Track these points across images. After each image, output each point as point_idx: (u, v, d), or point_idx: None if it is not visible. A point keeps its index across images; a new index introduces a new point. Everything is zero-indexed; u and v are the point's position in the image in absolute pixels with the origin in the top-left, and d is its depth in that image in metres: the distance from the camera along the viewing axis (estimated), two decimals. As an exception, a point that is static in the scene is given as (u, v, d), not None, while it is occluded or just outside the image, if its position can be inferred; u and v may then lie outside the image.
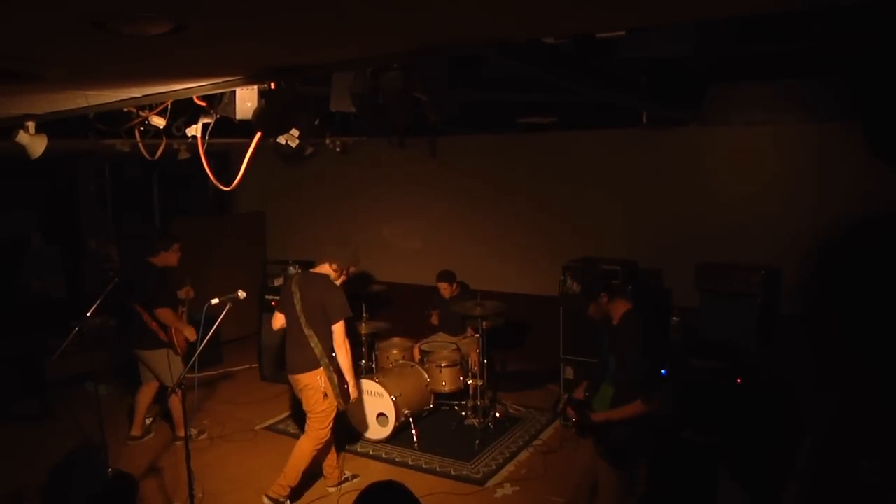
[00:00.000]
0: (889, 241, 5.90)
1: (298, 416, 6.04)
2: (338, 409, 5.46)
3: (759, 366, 5.56)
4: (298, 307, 5.34)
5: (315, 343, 5.26)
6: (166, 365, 6.28)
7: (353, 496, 5.27)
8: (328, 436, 5.47)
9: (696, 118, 6.48)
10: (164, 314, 6.34)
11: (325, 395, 5.31)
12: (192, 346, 6.60)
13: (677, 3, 1.99)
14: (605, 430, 4.34)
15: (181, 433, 6.54)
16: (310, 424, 5.43)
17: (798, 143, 6.57)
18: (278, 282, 8.64)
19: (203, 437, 6.89)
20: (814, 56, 4.46)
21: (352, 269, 5.62)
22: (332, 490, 5.73)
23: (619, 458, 4.31)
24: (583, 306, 4.47)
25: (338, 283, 5.46)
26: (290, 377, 5.46)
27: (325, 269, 5.46)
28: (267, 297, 8.31)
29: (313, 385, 5.31)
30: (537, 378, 8.10)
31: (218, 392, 8.22)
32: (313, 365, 5.28)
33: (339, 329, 5.28)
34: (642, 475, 4.51)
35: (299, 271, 5.47)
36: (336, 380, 5.34)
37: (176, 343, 6.41)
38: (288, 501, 5.41)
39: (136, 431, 6.80)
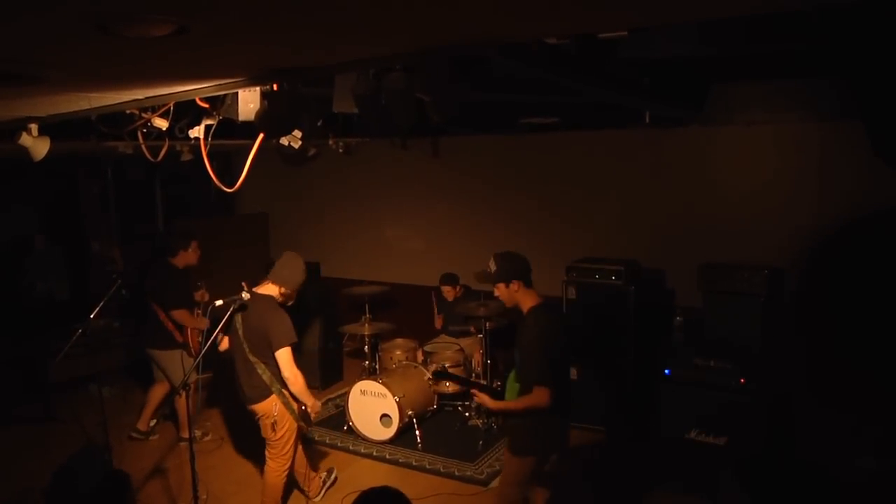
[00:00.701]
0: (890, 241, 5.90)
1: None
2: (299, 431, 5.18)
3: (762, 365, 5.55)
4: (241, 333, 4.95)
5: (262, 370, 4.89)
6: (179, 366, 6.27)
7: (336, 494, 5.29)
8: (290, 460, 5.18)
9: (699, 118, 6.48)
10: (181, 315, 6.37)
11: (275, 424, 4.97)
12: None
13: (679, 2, 1.99)
14: (510, 421, 4.49)
15: (185, 434, 6.54)
16: (270, 454, 5.13)
17: (800, 143, 6.56)
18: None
19: (207, 438, 6.90)
20: (815, 56, 4.46)
21: (291, 297, 5.13)
22: (317, 500, 5.66)
23: (521, 449, 4.35)
24: (491, 284, 4.44)
25: (286, 302, 5.06)
26: (247, 407, 5.11)
27: (271, 289, 5.00)
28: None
29: (268, 414, 4.96)
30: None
31: (222, 394, 8.21)
32: (265, 393, 4.94)
33: (283, 356, 4.80)
34: (549, 467, 4.53)
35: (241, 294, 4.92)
36: (293, 403, 5.01)
37: (191, 344, 6.42)
38: None
39: (142, 426, 6.81)
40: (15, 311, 8.27)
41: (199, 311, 6.62)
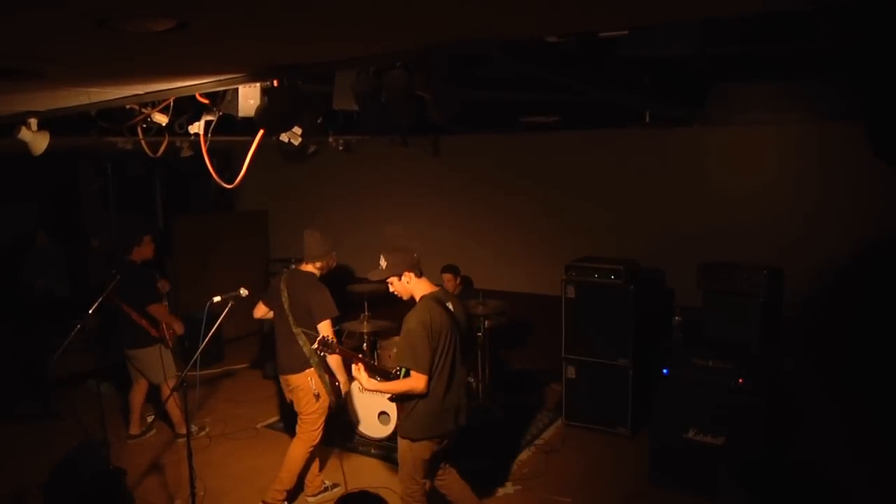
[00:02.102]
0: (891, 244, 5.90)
1: (290, 416, 6.06)
2: (329, 409, 5.40)
3: (761, 365, 5.54)
4: (286, 306, 5.28)
5: (304, 342, 5.19)
6: (158, 360, 6.37)
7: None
8: (319, 437, 5.42)
9: (699, 118, 6.47)
10: (158, 310, 6.42)
11: (318, 395, 5.26)
12: (180, 340, 6.69)
13: (680, 1, 1.98)
14: (395, 402, 4.60)
15: (182, 430, 6.55)
16: (301, 426, 5.38)
17: (800, 143, 6.56)
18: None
19: (203, 433, 6.90)
20: (816, 55, 4.45)
21: (332, 264, 5.55)
22: (311, 500, 5.66)
23: (406, 433, 4.42)
24: (383, 280, 4.53)
25: (326, 271, 5.48)
26: (281, 378, 5.41)
27: (309, 268, 5.41)
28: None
29: (304, 386, 5.26)
30: (539, 377, 8.11)
31: (219, 390, 8.23)
32: (303, 365, 5.23)
33: (325, 328, 5.17)
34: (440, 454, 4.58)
35: (290, 268, 5.41)
36: (327, 378, 5.29)
37: (167, 337, 6.46)
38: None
39: (133, 430, 6.83)
40: (15, 307, 8.27)
41: (165, 303, 6.66)
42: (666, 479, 5.70)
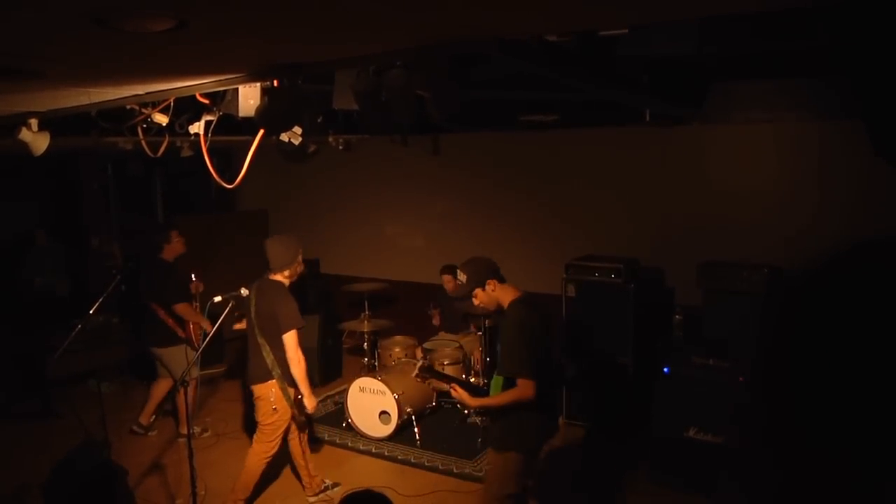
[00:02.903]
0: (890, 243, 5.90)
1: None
2: (291, 420, 5.31)
3: (761, 364, 5.55)
4: (253, 314, 5.17)
5: (267, 352, 5.09)
6: (184, 361, 6.33)
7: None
8: (275, 449, 5.30)
9: (698, 116, 6.47)
10: (184, 309, 6.41)
11: (275, 408, 5.14)
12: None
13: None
14: (494, 417, 4.38)
15: (184, 430, 6.55)
16: (257, 436, 5.28)
17: (800, 142, 6.56)
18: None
19: (206, 434, 6.90)
20: (816, 54, 4.45)
21: (300, 270, 5.36)
22: (312, 500, 5.66)
23: (504, 446, 4.27)
24: (469, 294, 4.34)
25: (294, 278, 5.30)
26: (248, 385, 5.31)
27: (278, 277, 5.23)
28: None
29: (265, 396, 5.15)
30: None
31: (220, 390, 8.23)
32: (266, 376, 5.12)
33: (289, 339, 5.05)
34: (536, 465, 4.46)
35: (261, 278, 5.27)
36: (290, 392, 5.18)
37: (193, 338, 6.46)
38: None
39: (143, 419, 6.84)
40: (15, 306, 8.28)
41: (197, 305, 6.64)
42: (665, 478, 5.71)
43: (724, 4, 2.12)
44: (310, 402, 5.26)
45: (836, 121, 6.06)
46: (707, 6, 2.15)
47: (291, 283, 5.28)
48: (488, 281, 4.26)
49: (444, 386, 4.69)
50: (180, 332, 6.41)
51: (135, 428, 6.78)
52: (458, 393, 4.31)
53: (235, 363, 8.57)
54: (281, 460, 5.53)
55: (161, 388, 6.78)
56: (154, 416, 6.98)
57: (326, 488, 5.75)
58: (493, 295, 4.27)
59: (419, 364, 4.64)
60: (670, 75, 5.20)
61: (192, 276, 6.77)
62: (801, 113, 6.30)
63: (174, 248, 6.57)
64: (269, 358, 5.08)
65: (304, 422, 5.52)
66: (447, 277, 7.80)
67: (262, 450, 5.25)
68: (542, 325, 4.27)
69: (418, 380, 4.67)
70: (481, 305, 4.38)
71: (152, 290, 6.45)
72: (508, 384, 4.15)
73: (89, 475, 4.52)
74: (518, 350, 4.08)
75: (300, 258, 5.31)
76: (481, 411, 4.33)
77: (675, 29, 3.81)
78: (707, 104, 6.21)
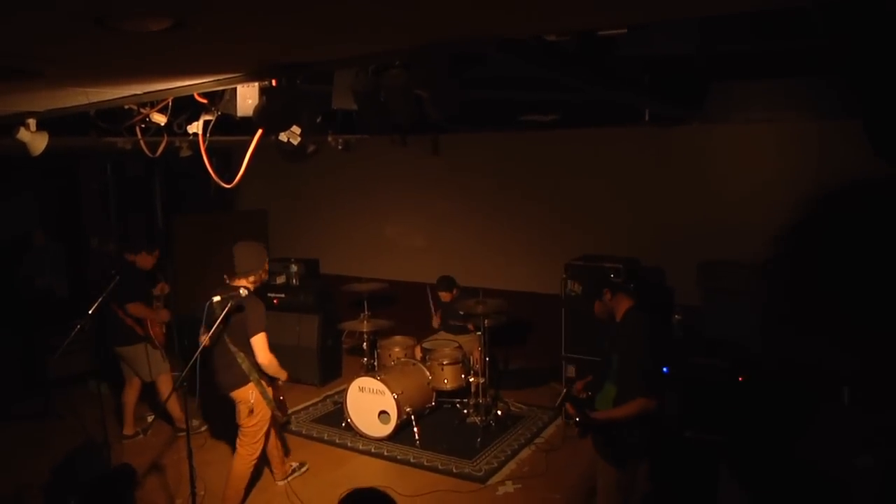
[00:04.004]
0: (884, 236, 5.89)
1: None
2: (273, 420, 5.40)
3: (761, 364, 5.55)
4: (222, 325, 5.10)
5: (242, 359, 5.11)
6: (144, 359, 6.42)
7: (302, 485, 5.30)
8: (260, 449, 5.37)
9: (698, 116, 6.47)
10: (136, 308, 6.44)
11: (251, 410, 5.18)
12: (180, 339, 6.73)
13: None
14: (608, 430, 4.22)
15: (182, 425, 6.55)
16: (241, 441, 5.32)
17: (799, 141, 6.56)
18: (280, 279, 8.66)
19: (203, 429, 6.89)
20: (815, 53, 4.45)
21: (264, 277, 5.37)
22: (280, 484, 5.81)
23: (620, 458, 4.21)
24: (587, 306, 4.35)
25: (259, 285, 5.30)
26: (224, 393, 5.30)
27: (242, 283, 5.17)
28: (269, 294, 8.32)
29: (244, 400, 5.19)
30: (539, 376, 8.11)
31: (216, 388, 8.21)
32: (243, 381, 5.15)
33: (258, 342, 5.03)
34: (642, 474, 4.38)
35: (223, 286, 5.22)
36: (269, 392, 5.23)
37: (153, 335, 6.50)
38: None
39: (127, 430, 6.83)
40: (14, 306, 8.26)
41: (158, 304, 6.68)
42: (666, 478, 5.70)
43: (722, 4, 2.12)
44: (283, 375, 5.29)
45: (837, 120, 6.05)
46: (706, 5, 2.15)
47: (256, 290, 5.23)
48: (604, 291, 4.30)
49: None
50: (139, 330, 6.44)
51: (123, 441, 6.74)
52: (594, 415, 4.19)
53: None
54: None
55: (130, 394, 6.79)
56: (152, 417, 6.97)
57: (294, 471, 5.95)
58: (609, 305, 4.30)
59: (564, 393, 4.55)
60: (670, 75, 5.20)
61: (160, 277, 6.86)
62: (802, 112, 6.30)
63: (146, 259, 6.65)
64: (244, 364, 5.11)
65: (285, 419, 5.64)
66: (443, 293, 7.78)
67: (247, 452, 5.31)
68: (653, 331, 4.24)
69: (574, 416, 4.50)
70: (597, 315, 4.37)
71: (112, 290, 6.35)
72: (623, 395, 4.09)
73: (104, 478, 4.51)
74: (638, 367, 4.05)
75: (266, 266, 5.33)
76: (601, 426, 4.19)
77: (675, 29, 3.81)
78: (707, 104, 6.22)
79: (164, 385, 6.60)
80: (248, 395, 5.17)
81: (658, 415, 4.13)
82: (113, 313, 6.44)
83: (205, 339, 5.04)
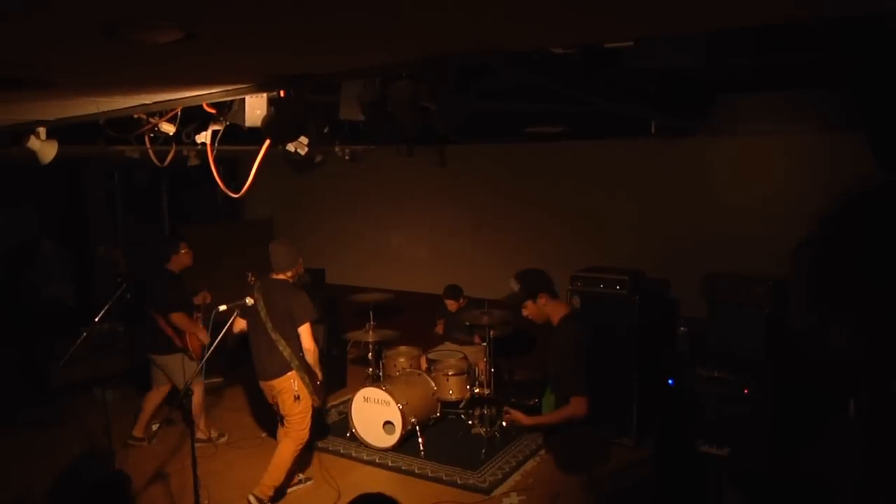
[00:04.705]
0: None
1: (270, 420, 6.23)
2: (314, 407, 5.61)
3: (766, 376, 5.53)
4: (263, 313, 5.41)
5: (283, 346, 5.36)
6: (180, 369, 6.39)
7: (305, 495, 5.30)
8: (308, 435, 5.62)
9: (704, 128, 6.48)
10: (179, 319, 6.42)
11: (298, 396, 5.42)
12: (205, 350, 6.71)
13: (685, 13, 2.00)
14: (551, 433, 4.43)
15: (199, 435, 6.56)
16: (289, 426, 5.54)
17: (806, 154, 6.55)
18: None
19: (223, 439, 6.89)
20: (821, 66, 4.46)
21: (301, 271, 5.75)
22: (289, 491, 5.83)
23: (563, 461, 4.32)
24: (519, 305, 4.39)
25: (297, 279, 5.69)
26: (263, 384, 5.58)
27: (282, 276, 5.57)
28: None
29: (287, 388, 5.43)
30: (544, 386, 8.07)
31: (224, 399, 8.23)
32: (285, 368, 5.39)
33: (305, 331, 5.40)
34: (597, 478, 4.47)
35: (263, 278, 5.65)
36: (308, 379, 5.45)
37: (190, 348, 6.48)
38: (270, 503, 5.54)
39: (138, 432, 6.82)
40: (20, 314, 8.29)
41: (200, 315, 6.67)
42: (671, 490, 5.68)
43: (727, 18, 2.13)
44: (318, 373, 5.59)
45: (843, 132, 6.05)
46: (711, 20, 2.16)
47: (295, 283, 5.63)
48: (541, 294, 4.29)
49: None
50: (177, 342, 6.44)
51: (130, 441, 6.75)
52: (514, 415, 4.37)
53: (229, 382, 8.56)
54: (259, 458, 5.54)
55: (153, 398, 6.79)
56: (158, 425, 6.98)
57: (299, 482, 5.97)
58: (544, 309, 4.32)
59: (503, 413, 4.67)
60: (676, 87, 5.22)
61: (201, 287, 6.82)
62: (808, 125, 6.30)
63: (181, 259, 6.65)
64: (286, 351, 5.35)
65: (322, 404, 5.85)
66: (450, 302, 7.79)
67: (296, 437, 5.53)
68: (589, 338, 4.27)
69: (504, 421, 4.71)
70: (529, 317, 4.41)
71: (154, 297, 6.50)
72: (561, 401, 4.17)
73: (98, 485, 4.52)
74: (573, 368, 4.10)
75: (300, 260, 5.69)
76: (536, 429, 4.37)
77: (681, 41, 3.82)
78: (713, 116, 6.22)
79: (197, 395, 6.59)
80: (292, 383, 5.40)
81: (595, 420, 4.14)
82: (152, 319, 6.47)
83: (238, 323, 5.53)
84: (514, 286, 4.34)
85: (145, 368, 6.85)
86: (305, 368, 5.44)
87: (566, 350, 4.17)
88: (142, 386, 6.96)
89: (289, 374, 5.40)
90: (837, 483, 5.37)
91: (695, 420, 5.61)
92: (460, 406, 7.18)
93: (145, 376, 6.87)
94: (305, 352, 5.43)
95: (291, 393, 5.41)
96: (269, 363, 5.44)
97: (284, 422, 5.58)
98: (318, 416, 5.76)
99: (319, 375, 5.56)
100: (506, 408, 4.48)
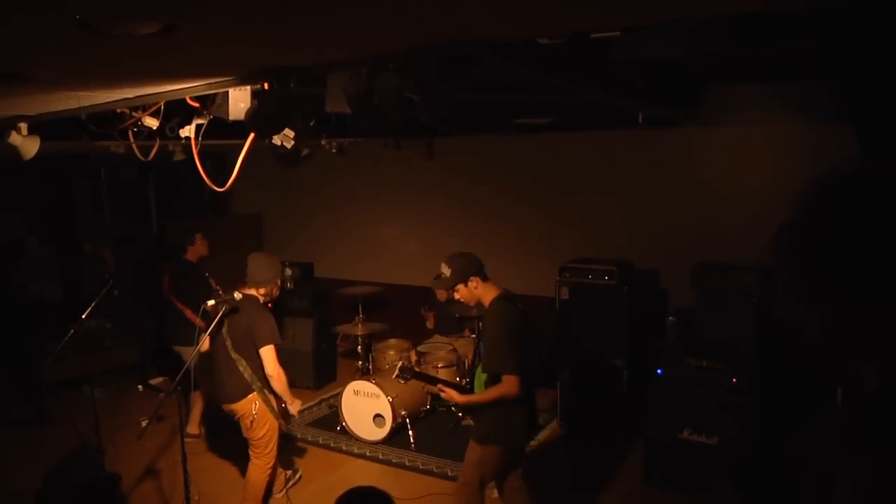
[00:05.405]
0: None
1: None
2: (280, 430, 5.26)
3: (755, 365, 5.55)
4: (224, 331, 5.02)
5: (244, 367, 4.96)
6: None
7: (296, 490, 5.30)
8: (275, 458, 5.26)
9: (692, 118, 6.48)
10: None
11: (253, 421, 5.03)
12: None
13: (670, 2, 1.99)
14: (475, 411, 4.54)
15: (189, 430, 6.52)
16: (254, 453, 5.19)
17: (794, 143, 6.56)
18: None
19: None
20: (808, 56, 4.46)
21: (275, 293, 5.27)
22: (279, 496, 5.66)
23: (483, 435, 4.38)
24: (450, 289, 4.50)
25: (269, 299, 5.21)
26: (224, 408, 5.16)
27: (252, 291, 5.11)
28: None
29: (247, 412, 5.03)
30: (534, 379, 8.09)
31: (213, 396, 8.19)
32: (245, 391, 5.00)
33: (268, 354, 4.92)
34: (516, 472, 4.63)
35: (225, 292, 5.25)
36: (273, 401, 5.09)
37: None
38: None
39: (192, 429, 6.79)
40: (7, 312, 8.24)
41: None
42: (660, 479, 5.70)
43: (714, 6, 2.12)
44: (294, 407, 5.21)
45: (831, 122, 6.06)
46: (697, 8, 2.15)
47: (265, 303, 5.18)
48: (471, 277, 4.36)
49: (434, 388, 4.76)
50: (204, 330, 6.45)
51: (187, 440, 6.64)
52: (448, 393, 4.44)
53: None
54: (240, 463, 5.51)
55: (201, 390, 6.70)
56: (147, 422, 6.93)
57: (289, 480, 5.87)
58: (476, 292, 4.39)
59: (398, 365, 4.73)
60: (663, 78, 5.21)
61: (208, 276, 6.81)
62: (795, 115, 6.31)
63: (197, 249, 6.72)
64: (246, 372, 4.97)
65: (288, 429, 5.54)
66: (439, 291, 7.78)
67: (262, 464, 5.20)
68: (525, 321, 4.35)
69: (400, 381, 4.77)
70: (461, 301, 4.51)
71: (178, 289, 6.57)
72: (492, 381, 4.23)
73: (88, 485, 4.51)
74: (501, 347, 4.17)
75: (279, 281, 5.30)
76: (467, 408, 4.47)
77: (668, 32, 3.82)
78: (701, 106, 6.22)
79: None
80: (250, 407, 5.01)
81: (525, 400, 4.27)
82: (177, 311, 6.49)
83: (204, 343, 5.07)
84: (445, 271, 4.39)
85: (140, 365, 6.82)
86: (269, 389, 5.04)
87: (496, 330, 4.23)
88: (134, 382, 6.93)
89: (249, 396, 4.99)
90: (826, 470, 5.40)
91: (684, 409, 5.62)
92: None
93: (135, 373, 6.84)
94: (269, 378, 4.96)
95: (248, 418, 5.02)
96: (228, 385, 5.04)
97: (249, 446, 5.21)
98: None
99: (286, 399, 5.07)
100: (440, 385, 4.52)
